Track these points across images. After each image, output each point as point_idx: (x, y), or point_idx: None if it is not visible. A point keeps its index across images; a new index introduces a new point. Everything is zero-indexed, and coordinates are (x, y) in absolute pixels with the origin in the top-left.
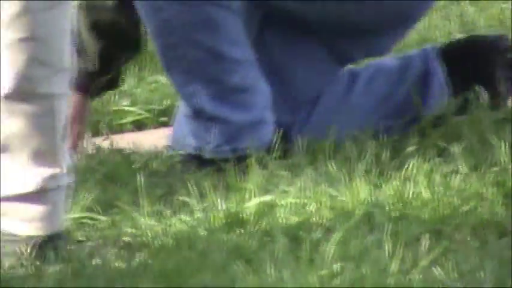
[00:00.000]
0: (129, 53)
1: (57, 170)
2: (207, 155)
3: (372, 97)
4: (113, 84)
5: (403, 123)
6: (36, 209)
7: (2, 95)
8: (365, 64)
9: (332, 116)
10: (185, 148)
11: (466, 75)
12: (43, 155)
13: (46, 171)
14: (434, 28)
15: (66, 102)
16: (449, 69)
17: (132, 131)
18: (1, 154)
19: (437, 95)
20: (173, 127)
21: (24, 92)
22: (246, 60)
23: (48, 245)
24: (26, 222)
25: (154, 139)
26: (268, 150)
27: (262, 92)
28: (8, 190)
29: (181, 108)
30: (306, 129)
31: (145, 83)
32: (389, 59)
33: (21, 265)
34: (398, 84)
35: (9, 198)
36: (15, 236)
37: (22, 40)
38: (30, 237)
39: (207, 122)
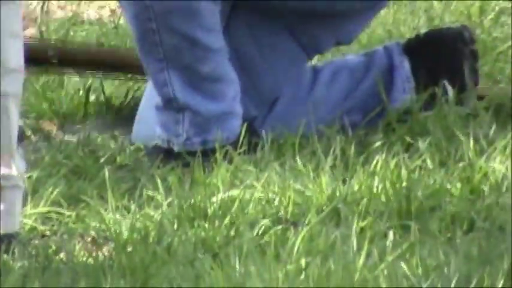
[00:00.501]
0: None
1: (12, 170)
2: (177, 148)
3: (335, 92)
4: None
5: (369, 118)
6: None
7: None
8: (329, 61)
9: (294, 109)
10: (153, 141)
11: (432, 69)
12: None
13: (2, 170)
14: (401, 23)
15: (19, 103)
16: (415, 64)
17: None
18: None
19: (402, 90)
20: (136, 120)
21: None
22: (220, 49)
23: (10, 240)
24: None
25: None
26: (235, 144)
27: (232, 82)
28: None
29: (149, 100)
30: (268, 122)
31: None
32: (352, 56)
33: None
34: (362, 80)
35: None
36: None
37: None
38: None
39: (178, 114)
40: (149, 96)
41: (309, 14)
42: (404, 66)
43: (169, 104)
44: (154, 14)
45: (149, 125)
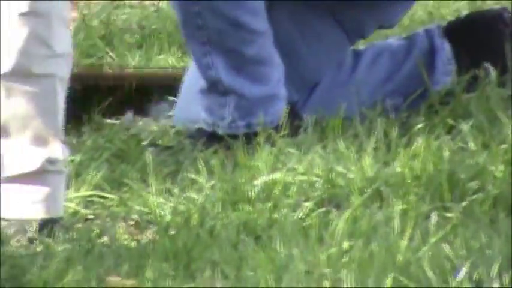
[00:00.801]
0: None
1: (57, 155)
2: (221, 131)
3: (377, 74)
4: None
5: (411, 100)
6: (37, 190)
7: (2, 73)
8: (370, 44)
9: (335, 92)
10: (195, 124)
11: (473, 51)
12: (44, 138)
13: (46, 153)
14: (442, 5)
15: (66, 87)
16: (456, 46)
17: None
18: (1, 136)
19: (443, 72)
20: (178, 104)
21: (24, 71)
22: (264, 32)
23: (52, 225)
24: (28, 204)
25: None
26: (277, 127)
27: (277, 65)
28: (9, 171)
29: (191, 84)
30: (309, 106)
31: (153, 62)
32: (393, 39)
33: (30, 242)
34: (403, 62)
35: (9, 179)
36: (17, 219)
37: (23, 15)
38: (34, 219)
39: (223, 97)
40: (191, 80)
41: (350, 2)
42: (445, 48)
43: (214, 87)
44: None
45: (191, 108)
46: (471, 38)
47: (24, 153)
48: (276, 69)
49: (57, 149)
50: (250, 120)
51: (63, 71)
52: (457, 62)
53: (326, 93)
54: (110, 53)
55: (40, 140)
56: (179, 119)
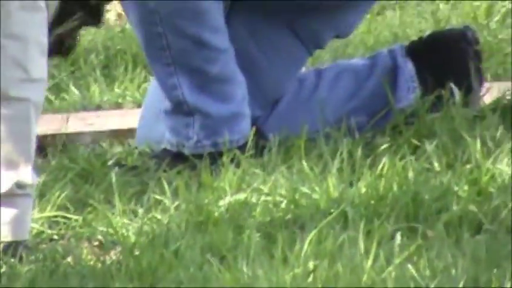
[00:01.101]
0: (86, 15)
1: (26, 179)
2: (187, 151)
3: (339, 92)
4: (68, 43)
5: (375, 120)
6: (5, 213)
7: None
8: (331, 64)
9: (297, 109)
10: (158, 144)
11: (437, 70)
12: (15, 162)
13: (16, 177)
14: (407, 26)
15: (39, 113)
16: (419, 65)
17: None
18: None
19: (406, 89)
20: (139, 124)
21: (1, 94)
22: (226, 49)
23: (17, 246)
24: None
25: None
26: (243, 147)
27: (240, 83)
28: None
29: (153, 104)
30: (271, 122)
31: (117, 83)
32: (356, 59)
33: None
34: (366, 81)
35: None
36: None
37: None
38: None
39: (188, 117)
40: (152, 100)
41: (307, 9)
42: (408, 66)
43: (179, 108)
44: (160, 17)
45: (153, 128)
46: (434, 57)
47: None
48: (239, 87)
49: (27, 174)
50: (215, 140)
51: (38, 96)
52: (420, 81)
53: (288, 110)
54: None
55: (11, 164)
56: (142, 139)
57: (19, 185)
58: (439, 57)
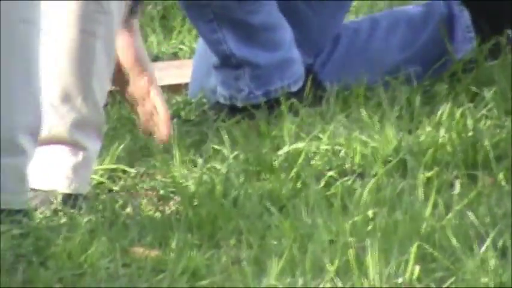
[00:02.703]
0: None
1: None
2: (240, 103)
3: (394, 42)
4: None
5: (433, 69)
6: (66, 162)
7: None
8: (386, 12)
9: (354, 58)
10: (216, 98)
11: (492, 17)
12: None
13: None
14: None
15: (111, 51)
16: (475, 14)
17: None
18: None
19: (462, 39)
20: (192, 75)
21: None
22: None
23: (76, 197)
24: (56, 177)
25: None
26: (298, 93)
27: (286, 28)
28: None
29: (202, 59)
30: (327, 71)
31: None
32: (411, 7)
33: (55, 214)
34: (421, 30)
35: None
36: (44, 191)
37: None
38: (60, 193)
39: (237, 70)
40: (202, 54)
41: None
42: (464, 15)
43: (228, 61)
44: None
45: (205, 81)
46: (488, 3)
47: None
48: (286, 33)
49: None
50: (267, 88)
51: (108, 30)
52: (476, 30)
53: (344, 59)
54: None
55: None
56: (196, 92)
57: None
58: (493, 3)
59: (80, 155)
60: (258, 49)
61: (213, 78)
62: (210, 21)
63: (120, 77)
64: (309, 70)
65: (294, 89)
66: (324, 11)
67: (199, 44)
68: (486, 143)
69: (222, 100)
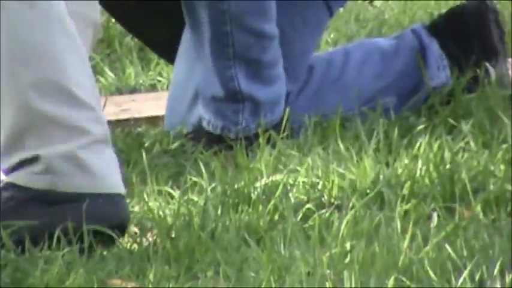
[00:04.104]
0: None
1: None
2: (233, 135)
3: (367, 73)
4: None
5: (412, 101)
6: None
7: None
8: (357, 43)
9: (328, 89)
10: (194, 126)
11: (462, 43)
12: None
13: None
14: (442, 5)
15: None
16: (444, 42)
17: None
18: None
19: (436, 67)
20: (169, 106)
21: None
22: (277, 34)
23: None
24: None
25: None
26: (277, 128)
27: (281, 62)
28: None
29: (184, 86)
30: (301, 102)
31: (152, 65)
32: (381, 39)
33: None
34: (394, 60)
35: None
36: None
37: None
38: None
39: (237, 104)
40: (180, 86)
41: None
42: (434, 45)
43: (233, 96)
44: (229, 16)
45: (185, 112)
46: (456, 30)
47: None
48: (281, 66)
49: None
50: (259, 122)
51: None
52: (448, 58)
53: (317, 91)
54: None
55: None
56: (172, 123)
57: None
58: (461, 29)
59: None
60: (261, 84)
61: (196, 111)
62: (227, 59)
63: None
64: (285, 99)
65: (275, 122)
66: (305, 31)
67: (177, 75)
68: (464, 175)
69: (211, 129)
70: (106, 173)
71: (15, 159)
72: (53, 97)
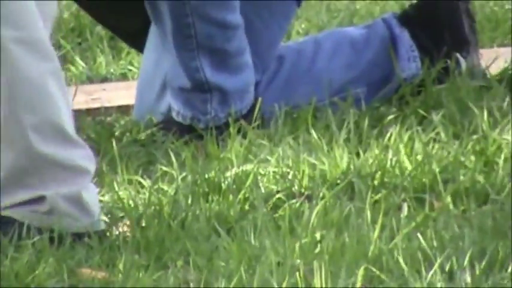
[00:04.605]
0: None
1: None
2: (202, 124)
3: (337, 63)
4: None
5: (382, 91)
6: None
7: None
8: (328, 33)
9: (298, 80)
10: (163, 116)
11: (432, 33)
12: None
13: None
14: None
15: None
16: (414, 32)
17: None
18: None
19: (406, 58)
20: (138, 96)
21: None
22: (241, 23)
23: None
24: None
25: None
26: (246, 116)
27: (248, 51)
28: None
29: (152, 77)
30: (271, 91)
31: (123, 55)
32: (352, 28)
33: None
34: (365, 50)
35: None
36: None
37: None
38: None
39: (205, 93)
40: (149, 76)
41: None
42: (405, 35)
43: (199, 87)
44: (190, 8)
45: (154, 102)
46: (427, 20)
47: None
48: (248, 55)
49: None
50: (229, 111)
51: None
52: (419, 48)
53: (288, 81)
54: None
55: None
56: (142, 112)
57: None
58: (432, 19)
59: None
60: (228, 74)
61: (165, 100)
62: (191, 50)
63: None
64: (255, 89)
65: (245, 111)
66: (272, 21)
67: (145, 65)
68: (434, 166)
69: (180, 119)
70: (97, 211)
71: (17, 197)
72: (52, 138)
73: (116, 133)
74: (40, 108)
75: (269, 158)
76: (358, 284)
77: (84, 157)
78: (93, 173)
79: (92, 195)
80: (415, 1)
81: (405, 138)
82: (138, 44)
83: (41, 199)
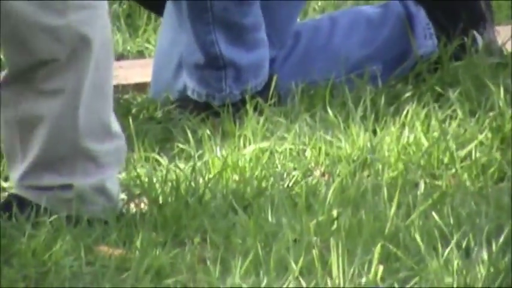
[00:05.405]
0: None
1: None
2: (217, 102)
3: (354, 40)
4: None
5: (399, 68)
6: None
7: None
8: (344, 11)
9: (315, 56)
10: (181, 94)
11: (448, 10)
12: None
13: None
14: None
15: None
16: (430, 10)
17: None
18: None
19: (423, 36)
20: (154, 75)
21: None
22: None
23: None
24: None
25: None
26: (262, 93)
27: (263, 26)
28: None
29: (168, 55)
30: (287, 68)
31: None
32: (368, 7)
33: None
34: (381, 28)
35: None
36: None
37: None
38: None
39: (220, 71)
40: (166, 54)
41: None
42: (421, 13)
43: (214, 62)
44: None
45: (171, 80)
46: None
47: None
48: (264, 32)
49: None
50: (244, 87)
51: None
52: (438, 27)
53: (304, 58)
54: None
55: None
56: (158, 91)
57: None
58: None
59: None
60: (243, 49)
61: (181, 79)
62: (207, 24)
63: None
64: (270, 65)
65: (260, 87)
66: None
67: (162, 44)
68: (451, 143)
69: (195, 97)
70: (118, 196)
71: (45, 182)
72: (98, 135)
73: (133, 111)
74: (97, 107)
75: (286, 135)
76: (375, 262)
77: (118, 149)
78: (123, 163)
79: (114, 181)
80: None
81: (422, 115)
82: (158, 7)
83: (67, 187)
